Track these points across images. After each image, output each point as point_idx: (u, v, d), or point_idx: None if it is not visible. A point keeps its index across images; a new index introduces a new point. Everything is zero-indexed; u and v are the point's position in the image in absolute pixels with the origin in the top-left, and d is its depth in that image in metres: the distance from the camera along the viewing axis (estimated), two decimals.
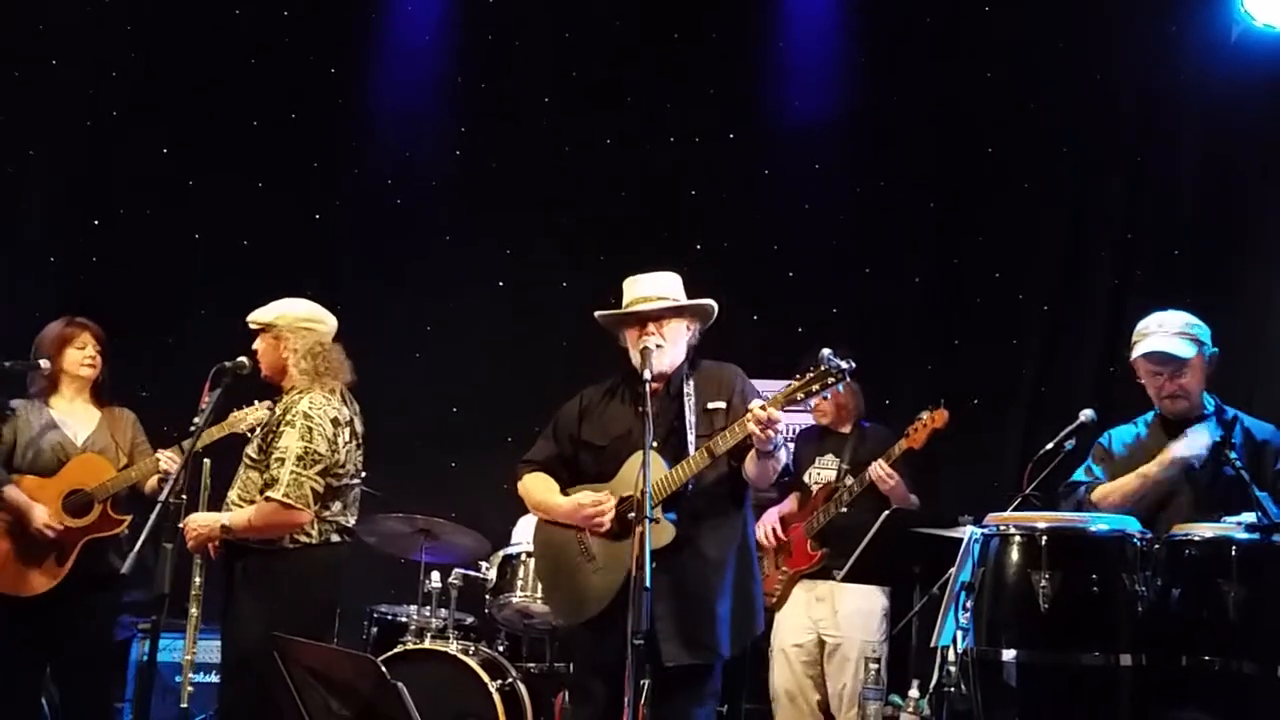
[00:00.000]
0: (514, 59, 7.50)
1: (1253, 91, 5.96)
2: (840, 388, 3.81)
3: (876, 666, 5.65)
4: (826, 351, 3.81)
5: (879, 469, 5.41)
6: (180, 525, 4.36)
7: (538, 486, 4.29)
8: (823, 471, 5.77)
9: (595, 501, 4.08)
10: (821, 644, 5.65)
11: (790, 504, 5.83)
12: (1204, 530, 3.70)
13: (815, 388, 3.79)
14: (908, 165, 7.19)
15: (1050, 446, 4.40)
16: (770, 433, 3.79)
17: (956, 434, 6.84)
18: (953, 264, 7.10)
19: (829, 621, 5.64)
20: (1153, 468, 4.09)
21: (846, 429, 5.82)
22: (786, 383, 3.91)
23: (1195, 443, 4.07)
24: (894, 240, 7.15)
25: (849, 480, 5.56)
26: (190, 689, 4.69)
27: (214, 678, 5.20)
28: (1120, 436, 4.41)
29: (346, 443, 4.55)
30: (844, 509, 5.52)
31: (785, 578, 5.71)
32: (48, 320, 5.15)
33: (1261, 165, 6.04)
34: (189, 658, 4.56)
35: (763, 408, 3.78)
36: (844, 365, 3.77)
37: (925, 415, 5.43)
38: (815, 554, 5.65)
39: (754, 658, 5.80)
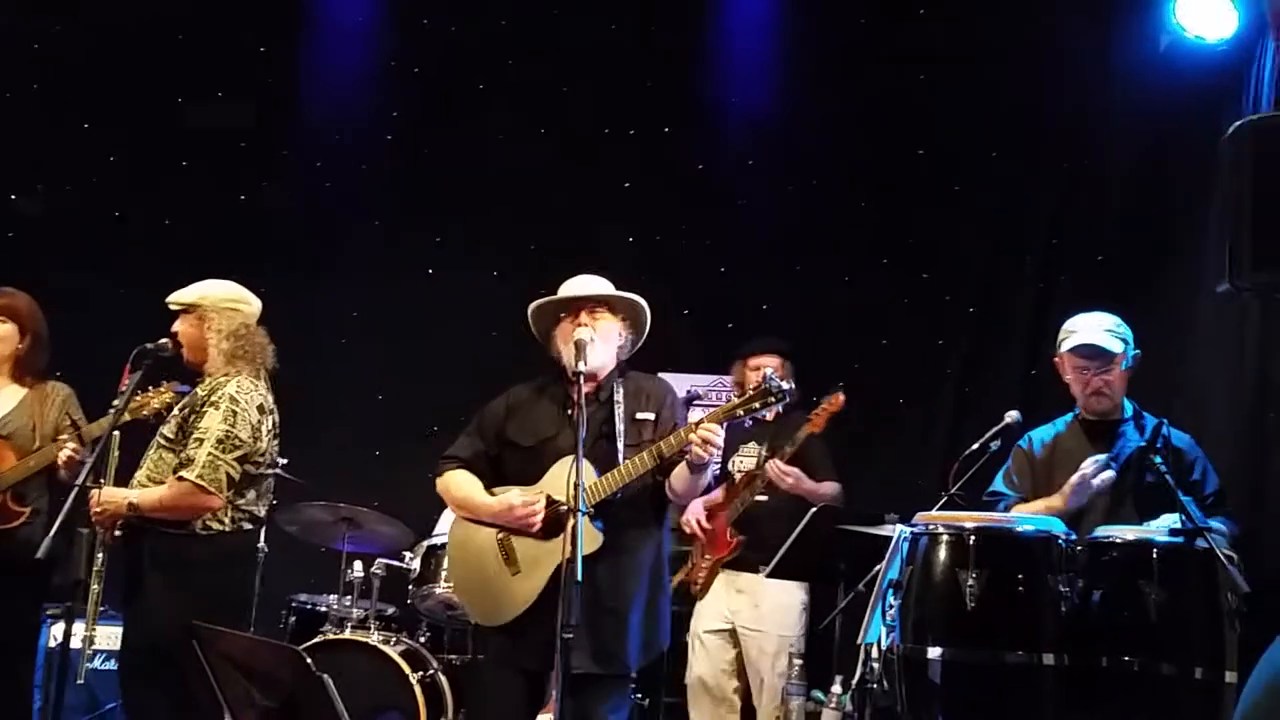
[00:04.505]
0: (450, 45, 7.43)
1: (1180, 101, 6.03)
2: (781, 408, 3.90)
3: (800, 662, 5.71)
4: (769, 371, 3.94)
5: (774, 468, 5.51)
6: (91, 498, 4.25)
7: (461, 483, 4.19)
8: (745, 459, 5.83)
9: (526, 502, 4.01)
10: (734, 633, 5.70)
11: (718, 493, 5.88)
12: (1126, 533, 3.76)
13: (756, 405, 3.87)
14: (840, 165, 7.23)
15: (976, 447, 4.43)
16: (711, 449, 3.82)
17: (882, 432, 6.95)
18: (882, 264, 7.16)
19: (747, 614, 5.69)
20: (1056, 501, 4.14)
21: (768, 415, 5.85)
22: (728, 397, 4.00)
23: (1091, 470, 4.11)
24: (825, 239, 7.18)
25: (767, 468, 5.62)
26: (88, 665, 4.60)
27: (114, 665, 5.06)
28: (1040, 437, 4.48)
29: (270, 431, 4.47)
30: (760, 496, 5.62)
31: (708, 566, 5.76)
32: None
33: (1187, 174, 6.12)
34: (89, 634, 4.44)
35: (702, 424, 3.82)
36: (785, 387, 3.86)
37: (826, 400, 5.57)
38: (733, 541, 5.71)
39: (674, 651, 5.82)
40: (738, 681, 5.77)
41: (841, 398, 5.51)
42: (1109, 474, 4.10)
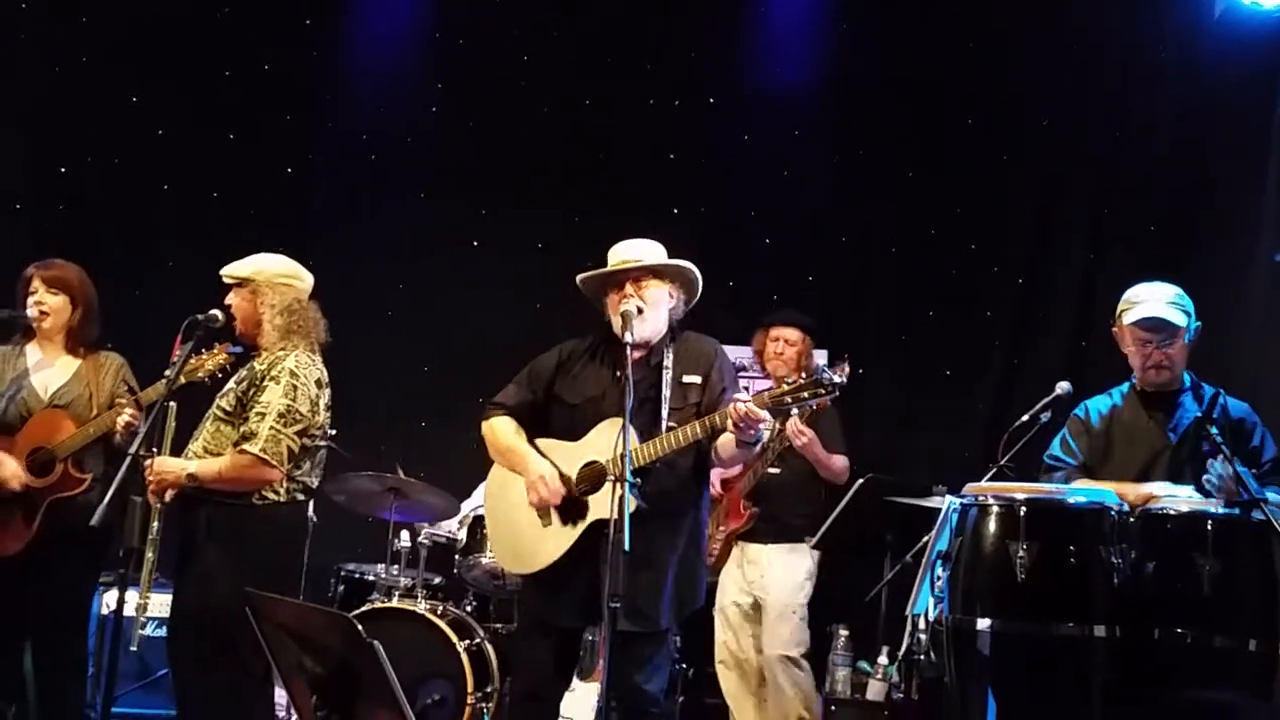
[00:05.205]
0: (493, 16, 7.41)
1: (1232, 69, 5.96)
2: (828, 399, 3.83)
3: (845, 633, 5.74)
4: (821, 363, 3.83)
5: (793, 424, 5.49)
6: (145, 467, 4.28)
7: (505, 430, 4.24)
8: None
9: (551, 488, 4.04)
10: (757, 606, 5.73)
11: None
12: (1180, 504, 3.71)
13: (805, 395, 3.79)
14: (886, 134, 7.18)
15: (1026, 418, 4.38)
16: (753, 430, 3.79)
17: (930, 404, 6.92)
18: (929, 234, 7.11)
19: (756, 583, 5.72)
20: (1129, 493, 4.06)
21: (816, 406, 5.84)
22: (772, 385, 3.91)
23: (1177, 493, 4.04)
24: (870, 209, 7.14)
25: (777, 439, 5.62)
26: (141, 632, 4.66)
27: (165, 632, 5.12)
28: (1096, 407, 4.40)
29: (326, 404, 4.50)
30: (771, 468, 5.62)
31: (722, 538, 5.78)
32: (11, 268, 5.03)
33: (1238, 144, 6.06)
34: (143, 601, 4.48)
35: (745, 405, 3.77)
36: (837, 379, 3.77)
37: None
38: (746, 513, 5.73)
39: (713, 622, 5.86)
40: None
41: (846, 369, 5.45)
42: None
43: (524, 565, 4.17)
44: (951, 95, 7.13)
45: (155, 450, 4.31)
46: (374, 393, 6.73)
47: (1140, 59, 6.68)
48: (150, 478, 4.30)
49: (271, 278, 4.54)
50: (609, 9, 7.30)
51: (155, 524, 4.36)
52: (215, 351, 4.51)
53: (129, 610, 4.32)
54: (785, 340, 5.79)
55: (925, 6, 7.11)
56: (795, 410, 3.86)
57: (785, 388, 3.82)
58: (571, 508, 4.06)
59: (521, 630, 4.44)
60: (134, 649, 4.74)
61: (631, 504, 3.81)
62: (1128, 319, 4.22)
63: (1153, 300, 4.20)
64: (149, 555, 4.40)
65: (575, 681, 5.05)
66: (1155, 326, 4.17)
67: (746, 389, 4.48)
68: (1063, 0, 6.81)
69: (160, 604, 5.36)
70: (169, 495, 4.36)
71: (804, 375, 3.82)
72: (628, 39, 7.29)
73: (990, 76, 7.04)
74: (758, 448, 4.21)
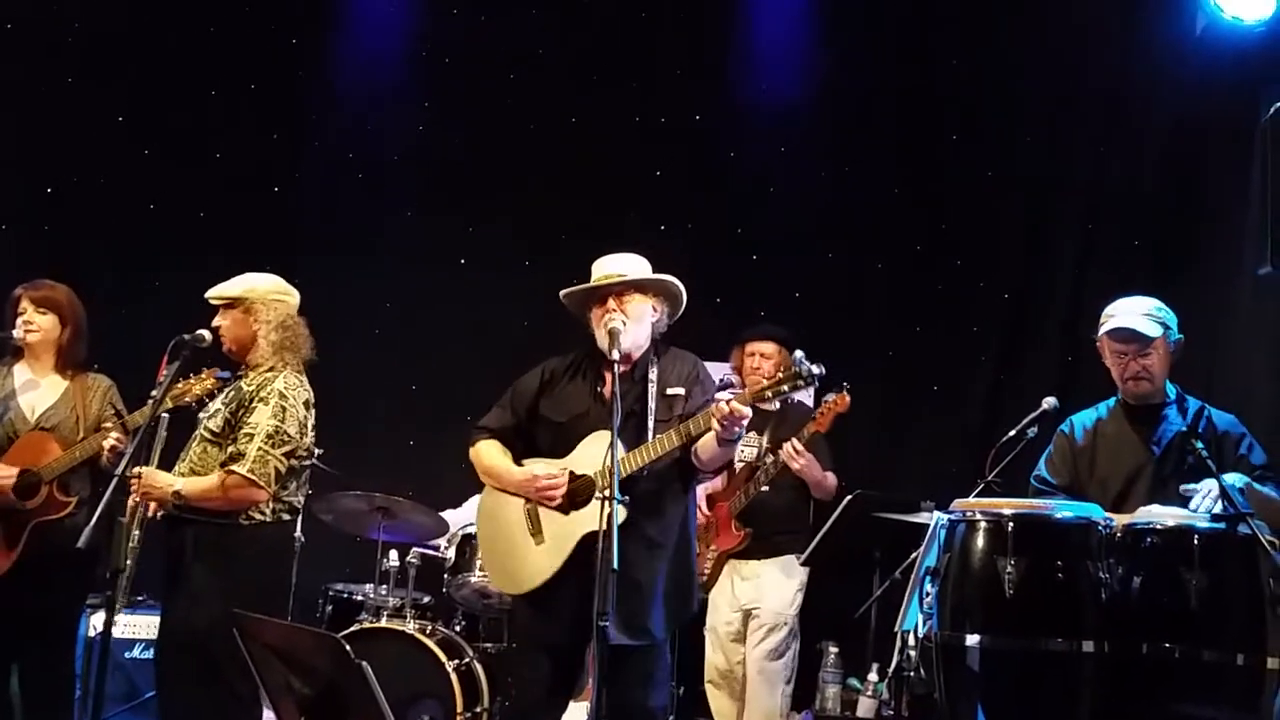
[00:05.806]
0: (480, 34, 7.42)
1: (1216, 84, 5.99)
2: (810, 392, 3.87)
3: (835, 650, 5.73)
4: (799, 354, 3.88)
5: (789, 448, 5.50)
6: (132, 481, 4.27)
7: (490, 453, 4.27)
8: (745, 449, 5.80)
9: (549, 475, 4.08)
10: (748, 620, 5.72)
11: (718, 481, 5.87)
12: (1167, 519, 3.72)
13: (785, 388, 3.85)
14: (873, 151, 7.21)
15: (1013, 434, 4.41)
16: (736, 427, 3.82)
17: (917, 420, 6.93)
18: (915, 250, 7.13)
19: (751, 595, 5.71)
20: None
21: (768, 406, 5.83)
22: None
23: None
24: (858, 225, 7.16)
25: (769, 459, 5.63)
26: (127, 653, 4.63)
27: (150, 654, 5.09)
28: (1082, 422, 4.43)
29: (314, 425, 4.50)
30: (764, 488, 5.62)
31: (714, 557, 5.77)
32: None
33: (1223, 158, 6.09)
34: (121, 605, 4.44)
35: (729, 403, 3.80)
36: (815, 370, 3.82)
37: (831, 399, 5.50)
38: (740, 534, 5.72)
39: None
40: None
41: (847, 399, 5.45)
42: None
43: (518, 585, 4.17)
44: (938, 112, 7.16)
45: (143, 468, 4.30)
46: (361, 410, 6.73)
47: (1124, 76, 6.71)
48: (136, 489, 4.29)
49: (264, 295, 4.56)
50: (596, 27, 7.32)
51: (137, 531, 4.34)
52: (203, 376, 4.52)
53: (116, 633, 4.31)
54: (761, 354, 5.79)
55: (911, 24, 7.14)
56: (776, 399, 3.87)
57: (765, 382, 3.88)
58: (562, 522, 4.06)
59: (519, 649, 4.43)
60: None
61: (621, 516, 3.81)
62: (1103, 330, 4.28)
63: (1127, 312, 4.25)
64: (128, 562, 4.37)
65: None
66: (1127, 337, 4.21)
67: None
68: (1048, 17, 6.83)
69: (148, 625, 5.34)
70: (154, 509, 4.36)
71: (782, 371, 3.88)
72: (614, 56, 7.31)
73: (977, 93, 7.06)
74: (735, 448, 4.24)
